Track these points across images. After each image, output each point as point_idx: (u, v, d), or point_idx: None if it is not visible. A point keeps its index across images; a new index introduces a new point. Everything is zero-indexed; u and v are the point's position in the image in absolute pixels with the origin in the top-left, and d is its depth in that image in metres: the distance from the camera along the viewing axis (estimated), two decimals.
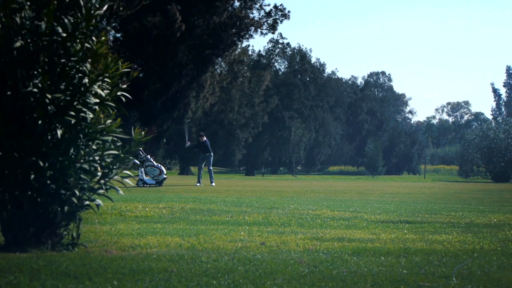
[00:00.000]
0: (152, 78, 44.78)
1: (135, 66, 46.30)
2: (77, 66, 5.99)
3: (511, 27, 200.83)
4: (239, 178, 50.42)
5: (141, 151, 23.53)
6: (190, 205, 12.31)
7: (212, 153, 26.12)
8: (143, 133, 6.51)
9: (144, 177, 23.04)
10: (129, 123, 40.87)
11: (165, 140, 42.01)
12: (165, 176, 23.43)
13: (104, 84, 6.16)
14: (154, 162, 23.42)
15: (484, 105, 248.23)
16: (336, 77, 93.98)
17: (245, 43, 52.88)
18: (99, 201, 6.26)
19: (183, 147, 57.15)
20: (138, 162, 22.96)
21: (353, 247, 6.48)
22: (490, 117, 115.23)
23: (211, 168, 26.22)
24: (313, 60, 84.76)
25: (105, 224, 8.54)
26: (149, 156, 23.61)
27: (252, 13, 46.15)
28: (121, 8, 6.35)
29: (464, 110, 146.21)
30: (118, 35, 46.52)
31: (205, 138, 26.22)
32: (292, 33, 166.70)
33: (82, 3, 6.04)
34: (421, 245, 6.85)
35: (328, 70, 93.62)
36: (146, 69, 45.17)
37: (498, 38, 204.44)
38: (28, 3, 5.90)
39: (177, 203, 12.73)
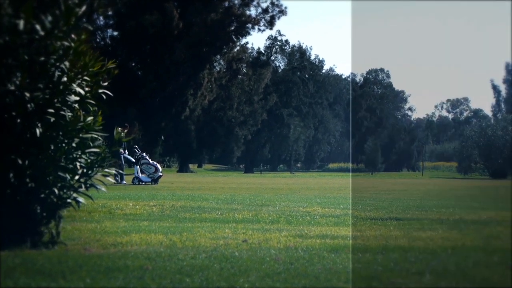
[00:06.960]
0: (149, 76, 44.76)
1: (133, 64, 46.24)
2: (57, 64, 5.98)
3: (511, 24, 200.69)
4: (237, 175, 50.39)
5: (137, 149, 23.50)
6: (181, 203, 12.29)
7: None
8: (123, 133, 6.50)
9: (140, 175, 22.99)
10: (127, 121, 40.84)
11: (162, 138, 42.06)
12: (160, 174, 23.38)
13: (83, 82, 6.15)
14: (150, 160, 23.37)
15: (484, 102, 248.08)
16: (334, 73, 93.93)
17: (243, 41, 52.71)
18: (80, 199, 6.25)
19: (182, 145, 57.17)
20: (133, 160, 22.93)
21: (333, 244, 6.47)
22: (490, 113, 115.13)
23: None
24: (312, 57, 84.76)
25: (91, 222, 8.53)
26: (144, 154, 23.56)
27: (249, 10, 46.19)
28: (101, 6, 6.34)
29: (464, 106, 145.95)
30: (116, 33, 46.53)
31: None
32: (290, 30, 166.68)
33: (61, 0, 6.02)
34: (403, 242, 6.82)
35: (326, 67, 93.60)
36: (143, 67, 45.20)
37: (498, 34, 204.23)
38: (7, 1, 5.88)
39: (168, 201, 12.70)
